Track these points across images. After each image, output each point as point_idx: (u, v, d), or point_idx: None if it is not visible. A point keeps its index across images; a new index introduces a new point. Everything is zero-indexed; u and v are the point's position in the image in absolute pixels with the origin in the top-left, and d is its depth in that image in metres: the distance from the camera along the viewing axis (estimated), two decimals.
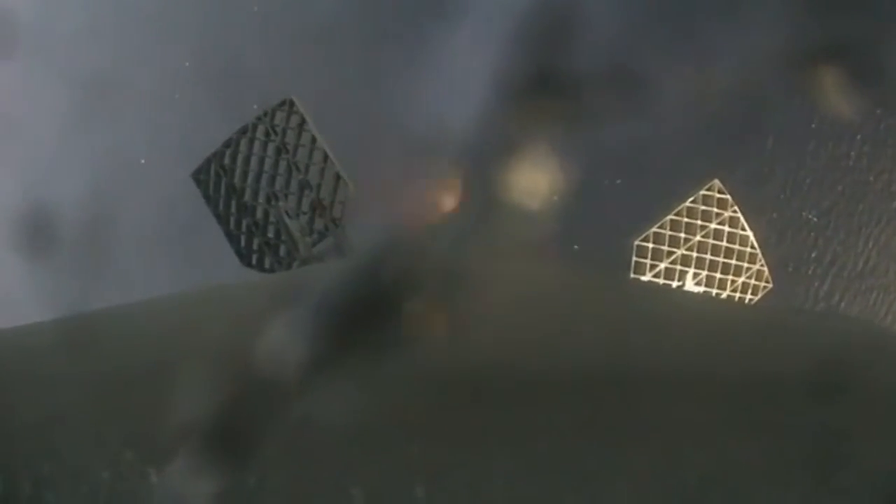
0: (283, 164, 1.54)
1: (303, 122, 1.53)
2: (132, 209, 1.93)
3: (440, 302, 0.28)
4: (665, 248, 1.53)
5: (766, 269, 1.58)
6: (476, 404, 0.29)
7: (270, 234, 1.55)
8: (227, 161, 1.54)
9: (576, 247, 1.97)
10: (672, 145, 1.93)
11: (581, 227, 1.90)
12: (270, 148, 1.54)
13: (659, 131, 1.82)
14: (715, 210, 1.55)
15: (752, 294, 1.59)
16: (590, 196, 1.89)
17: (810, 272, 2.21)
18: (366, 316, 0.28)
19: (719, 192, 1.55)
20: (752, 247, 1.57)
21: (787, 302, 2.16)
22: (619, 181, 1.97)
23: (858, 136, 2.13)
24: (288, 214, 1.51)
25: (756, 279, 1.58)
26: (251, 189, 1.55)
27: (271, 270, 1.56)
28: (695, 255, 1.54)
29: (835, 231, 2.19)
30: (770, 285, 1.60)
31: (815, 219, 2.19)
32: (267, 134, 1.53)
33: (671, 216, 1.53)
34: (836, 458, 0.26)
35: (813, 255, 2.20)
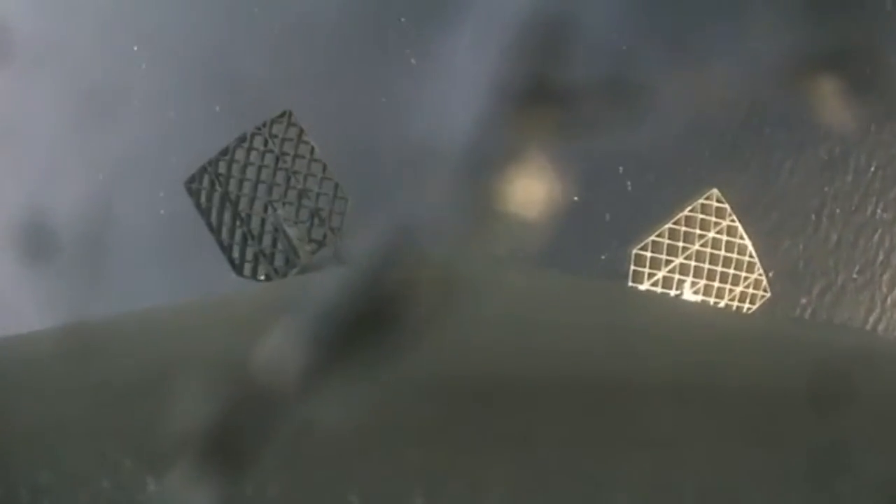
0: (280, 174, 1.54)
1: (301, 133, 1.53)
2: (131, 218, 1.93)
3: (439, 309, 0.28)
4: (663, 256, 1.53)
5: (763, 277, 1.58)
6: (475, 412, 0.29)
7: (266, 243, 1.55)
8: (222, 170, 1.54)
9: (603, 257, 1.90)
10: (671, 154, 1.90)
11: (578, 235, 1.88)
12: (268, 158, 1.54)
13: (657, 139, 1.80)
14: (713, 219, 1.55)
15: (751, 303, 1.58)
16: (587, 204, 1.87)
17: (878, 276, 1.93)
18: (365, 323, 0.28)
19: (718, 201, 1.55)
20: (751, 256, 1.57)
21: (854, 310, 1.91)
22: (616, 189, 1.95)
23: None
24: (286, 223, 1.51)
25: (754, 288, 1.58)
26: (247, 198, 1.54)
27: (266, 280, 1.55)
28: (693, 264, 1.54)
29: None
30: (767, 294, 1.59)
31: (883, 214, 1.90)
32: (265, 143, 1.53)
33: (669, 225, 1.54)
34: (835, 465, 0.26)
35: (880, 258, 1.92)
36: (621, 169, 1.90)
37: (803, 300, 1.93)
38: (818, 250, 1.94)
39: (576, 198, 1.83)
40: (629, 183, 1.92)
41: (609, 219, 1.90)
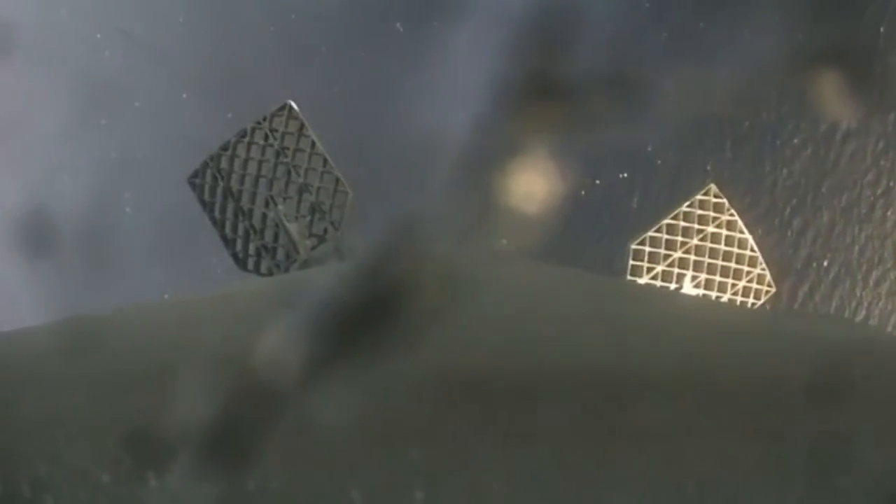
0: (281, 169, 1.54)
1: (301, 126, 1.53)
2: (132, 212, 1.93)
3: (439, 304, 0.28)
4: (661, 251, 1.53)
5: (766, 272, 1.58)
6: (475, 407, 0.29)
7: (268, 238, 1.55)
8: (223, 165, 1.54)
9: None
10: (669, 149, 1.87)
11: (577, 230, 1.87)
12: (269, 152, 1.54)
13: (657, 135, 1.78)
14: (711, 214, 1.55)
15: (755, 298, 1.58)
16: (586, 199, 1.85)
17: None
18: (365, 318, 0.28)
19: (715, 195, 1.55)
20: (752, 250, 1.57)
21: None
22: (615, 185, 1.92)
23: None
24: (287, 218, 1.51)
25: (758, 283, 1.58)
26: (249, 193, 1.55)
27: (269, 274, 1.56)
28: (692, 258, 1.54)
29: None
30: (772, 289, 1.59)
31: None
32: (266, 138, 1.53)
33: (667, 220, 1.54)
34: (836, 460, 0.26)
35: None
36: (650, 147, 1.77)
37: (859, 292, 1.71)
38: (874, 233, 1.69)
39: (598, 181, 1.76)
40: (659, 161, 1.77)
41: (594, 212, 1.84)
